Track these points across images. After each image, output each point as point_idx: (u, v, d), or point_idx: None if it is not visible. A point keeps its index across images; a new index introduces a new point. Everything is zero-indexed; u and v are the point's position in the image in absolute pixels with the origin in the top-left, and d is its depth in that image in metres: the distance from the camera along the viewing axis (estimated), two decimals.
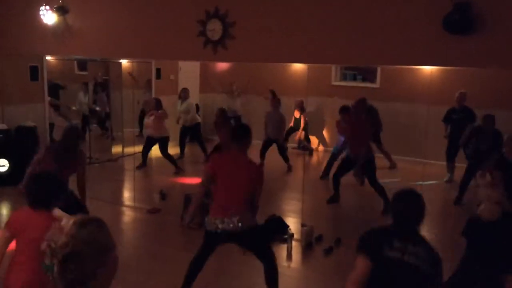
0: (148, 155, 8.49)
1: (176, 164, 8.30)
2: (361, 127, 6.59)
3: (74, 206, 4.84)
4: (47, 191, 3.01)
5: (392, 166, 7.89)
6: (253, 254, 4.08)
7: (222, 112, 7.60)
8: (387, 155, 7.84)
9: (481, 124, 6.55)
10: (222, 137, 7.15)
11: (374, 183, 6.52)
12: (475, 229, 3.42)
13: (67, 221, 1.64)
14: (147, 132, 8.44)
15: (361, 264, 2.62)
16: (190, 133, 9.19)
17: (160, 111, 8.14)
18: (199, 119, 9.34)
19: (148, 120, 8.25)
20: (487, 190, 3.41)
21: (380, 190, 6.43)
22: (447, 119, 7.46)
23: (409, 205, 2.72)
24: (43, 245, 1.61)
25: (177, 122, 9.05)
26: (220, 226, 3.86)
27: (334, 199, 6.86)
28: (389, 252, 2.62)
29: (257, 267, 4.14)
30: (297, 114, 9.13)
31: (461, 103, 7.29)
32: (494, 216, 3.28)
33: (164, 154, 8.32)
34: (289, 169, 8.44)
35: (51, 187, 3.05)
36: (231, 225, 3.83)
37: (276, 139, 8.38)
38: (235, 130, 4.27)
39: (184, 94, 9.03)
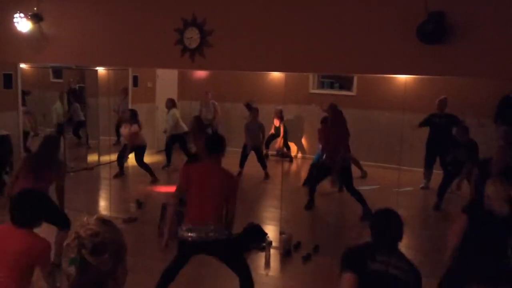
0: (124, 163, 8.40)
1: (153, 173, 8.22)
2: (336, 132, 6.63)
3: (59, 218, 4.78)
4: (30, 213, 3.00)
5: (363, 175, 7.88)
6: (227, 266, 4.02)
7: (197, 119, 7.35)
8: (357, 164, 7.73)
9: (456, 136, 6.65)
10: (198, 145, 6.90)
11: (351, 189, 6.57)
12: (485, 221, 3.48)
13: (89, 218, 1.67)
14: (123, 140, 8.35)
15: (347, 280, 2.66)
16: (178, 142, 9.01)
17: (133, 127, 8.02)
18: (186, 128, 9.19)
19: (123, 131, 8.18)
20: (494, 186, 3.42)
21: (358, 196, 6.49)
22: (426, 122, 7.37)
23: (390, 223, 2.83)
24: (69, 238, 1.62)
25: (164, 132, 8.93)
26: (192, 234, 3.82)
27: (309, 206, 6.88)
28: (373, 265, 2.67)
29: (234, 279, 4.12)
30: (276, 122, 9.17)
31: (442, 109, 7.35)
32: (504, 213, 3.37)
33: (139, 163, 8.22)
34: (266, 176, 8.43)
35: (34, 208, 3.03)
36: (203, 234, 3.79)
37: (256, 147, 8.40)
38: (208, 140, 4.22)
39: (168, 104, 8.93)
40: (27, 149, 8.13)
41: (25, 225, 2.95)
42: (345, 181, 6.70)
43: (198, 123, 7.25)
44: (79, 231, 1.61)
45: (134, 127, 8.05)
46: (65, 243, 1.62)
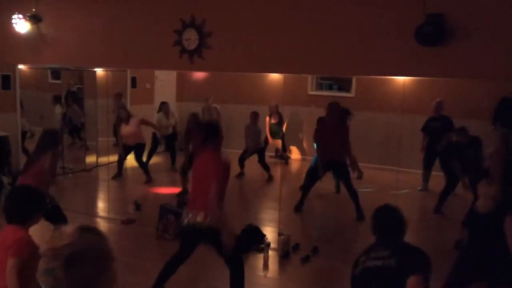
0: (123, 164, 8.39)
1: (148, 173, 8.26)
2: (335, 131, 6.59)
3: (56, 215, 4.76)
4: (21, 208, 2.94)
5: (359, 175, 7.85)
6: (220, 256, 4.06)
7: (194, 116, 7.21)
8: (354, 163, 7.58)
9: (456, 139, 6.60)
10: (195, 143, 6.80)
11: (350, 187, 6.58)
12: (473, 220, 3.81)
13: (67, 227, 1.62)
14: (123, 140, 8.35)
15: None
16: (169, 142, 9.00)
17: (132, 121, 8.08)
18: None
19: (124, 129, 8.18)
20: (484, 187, 3.70)
21: (354, 195, 6.49)
22: (425, 128, 7.41)
23: (390, 219, 2.84)
24: (43, 248, 1.57)
25: (161, 136, 8.88)
26: (189, 217, 3.97)
27: (298, 208, 6.85)
28: (356, 269, 2.77)
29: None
30: (274, 118, 8.97)
31: (439, 112, 7.34)
32: (488, 210, 3.61)
33: (139, 162, 8.26)
34: (270, 178, 8.38)
35: (26, 203, 2.96)
36: (198, 218, 3.90)
37: (258, 150, 8.39)
38: (204, 128, 4.24)
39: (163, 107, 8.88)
40: (24, 150, 8.11)
41: (13, 220, 2.89)
42: (344, 178, 6.68)
43: (196, 120, 7.12)
44: (54, 242, 1.56)
45: (135, 120, 8.07)
46: (41, 254, 1.57)
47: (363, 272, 2.71)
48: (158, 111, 8.92)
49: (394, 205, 2.95)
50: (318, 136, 6.86)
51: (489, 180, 3.80)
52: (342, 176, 6.73)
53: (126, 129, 8.14)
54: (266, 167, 8.46)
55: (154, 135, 8.79)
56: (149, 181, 8.25)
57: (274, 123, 9.00)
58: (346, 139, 6.72)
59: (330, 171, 6.84)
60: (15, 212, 2.93)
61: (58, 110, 9.40)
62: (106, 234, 1.71)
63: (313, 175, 6.85)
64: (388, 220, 2.85)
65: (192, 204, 4.04)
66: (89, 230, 1.63)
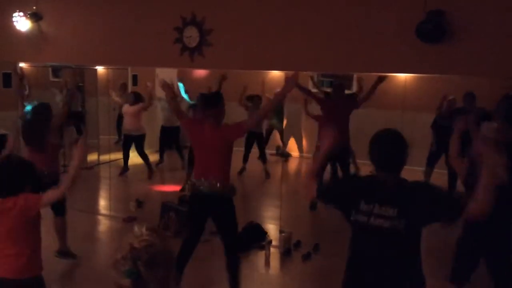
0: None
1: (150, 166, 8.28)
2: (338, 111, 6.51)
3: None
4: (9, 179, 2.91)
5: (356, 170, 7.79)
6: (220, 232, 4.13)
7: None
8: (352, 159, 7.53)
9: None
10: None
11: (347, 172, 6.56)
12: None
13: (138, 227, 1.63)
14: (124, 128, 8.37)
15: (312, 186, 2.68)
16: (171, 137, 8.83)
17: (138, 105, 8.11)
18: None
19: (127, 109, 8.18)
20: (488, 129, 3.47)
21: None
22: (435, 125, 7.34)
23: (391, 146, 2.60)
24: (123, 250, 1.56)
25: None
26: (199, 186, 4.00)
27: (313, 206, 6.79)
28: (356, 215, 2.60)
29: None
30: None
31: (450, 110, 7.32)
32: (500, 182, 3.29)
33: (140, 153, 8.28)
34: (267, 175, 8.37)
35: (13, 174, 2.92)
36: (209, 185, 3.96)
37: (258, 135, 8.33)
38: (206, 100, 4.21)
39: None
40: None
41: (9, 193, 2.87)
42: (343, 164, 6.62)
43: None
44: (133, 242, 1.56)
45: (140, 105, 8.10)
46: (119, 256, 1.56)
47: (367, 229, 2.54)
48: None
49: (398, 130, 2.68)
50: (322, 118, 6.82)
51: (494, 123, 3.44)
52: (342, 163, 6.65)
53: (127, 108, 8.22)
54: (263, 158, 8.40)
55: (162, 128, 8.69)
56: (151, 174, 8.26)
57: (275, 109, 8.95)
58: (347, 123, 6.64)
59: (332, 157, 6.76)
60: (8, 185, 2.90)
61: (58, 98, 9.41)
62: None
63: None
64: (396, 152, 2.57)
65: (202, 174, 4.02)
66: (159, 232, 1.65)
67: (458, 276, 3.77)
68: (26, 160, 3.12)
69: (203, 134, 4.03)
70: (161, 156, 8.92)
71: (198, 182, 4.04)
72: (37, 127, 4.77)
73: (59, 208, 4.92)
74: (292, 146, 9.65)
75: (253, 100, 8.39)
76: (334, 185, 2.95)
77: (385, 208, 2.49)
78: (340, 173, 6.79)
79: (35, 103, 4.98)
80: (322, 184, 2.77)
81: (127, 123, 8.30)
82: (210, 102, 4.09)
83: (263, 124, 8.54)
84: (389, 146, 2.59)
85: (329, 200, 2.78)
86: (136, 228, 1.62)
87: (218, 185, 3.96)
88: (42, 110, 4.89)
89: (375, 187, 2.59)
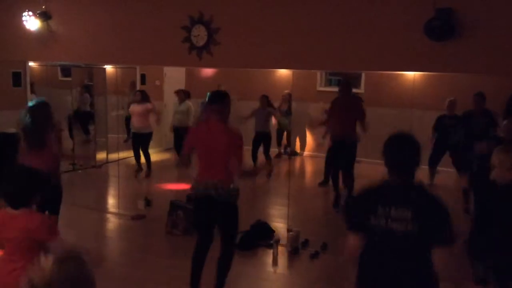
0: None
1: (150, 166, 8.36)
2: (347, 109, 6.57)
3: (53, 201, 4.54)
4: (22, 189, 2.83)
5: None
6: (220, 227, 4.12)
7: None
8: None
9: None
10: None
11: (350, 170, 6.54)
12: (490, 192, 3.46)
13: (46, 258, 1.63)
14: (132, 125, 8.42)
15: (352, 239, 2.64)
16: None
17: (146, 105, 8.15)
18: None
19: (135, 108, 8.22)
20: (500, 154, 3.32)
21: (350, 181, 6.47)
22: (437, 126, 7.29)
23: (404, 149, 2.64)
24: (24, 281, 1.58)
25: (171, 130, 8.79)
26: (203, 190, 3.98)
27: (324, 183, 7.19)
28: (375, 220, 2.58)
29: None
30: (284, 106, 8.99)
31: (452, 111, 7.29)
32: (507, 181, 3.24)
33: (144, 151, 8.34)
34: (269, 174, 8.35)
35: (26, 184, 2.85)
36: (213, 190, 3.93)
37: (264, 134, 8.37)
38: (211, 96, 4.20)
39: (182, 96, 8.80)
40: None
41: (19, 204, 2.81)
42: (348, 159, 6.60)
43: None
44: (33, 278, 1.58)
45: (148, 105, 8.16)
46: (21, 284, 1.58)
47: (386, 235, 2.54)
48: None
49: (410, 134, 2.74)
50: (330, 114, 6.86)
51: (505, 147, 3.40)
52: (348, 158, 6.62)
53: (134, 107, 8.25)
54: (267, 154, 8.42)
55: (175, 128, 8.69)
56: (149, 174, 8.38)
57: (283, 110, 9.01)
58: (355, 120, 6.62)
59: (339, 152, 6.73)
60: (24, 196, 2.83)
61: (69, 98, 9.51)
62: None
63: (327, 162, 7.04)
64: (409, 156, 2.61)
65: (205, 177, 3.99)
66: (68, 261, 1.64)
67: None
68: (35, 169, 3.05)
69: (208, 135, 4.02)
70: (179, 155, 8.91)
71: (202, 184, 4.02)
72: (36, 126, 4.58)
73: (54, 207, 4.78)
74: (299, 144, 9.66)
75: (261, 100, 8.42)
76: (353, 210, 2.89)
77: (401, 210, 2.53)
78: (341, 171, 6.77)
79: (34, 101, 4.92)
80: (347, 219, 2.78)
81: (135, 122, 8.36)
82: (215, 97, 4.12)
83: (270, 124, 8.55)
84: (402, 151, 2.65)
85: (359, 224, 2.72)
86: (42, 260, 1.61)
87: (223, 188, 3.94)
88: (40, 108, 4.70)
89: (390, 190, 2.65)
